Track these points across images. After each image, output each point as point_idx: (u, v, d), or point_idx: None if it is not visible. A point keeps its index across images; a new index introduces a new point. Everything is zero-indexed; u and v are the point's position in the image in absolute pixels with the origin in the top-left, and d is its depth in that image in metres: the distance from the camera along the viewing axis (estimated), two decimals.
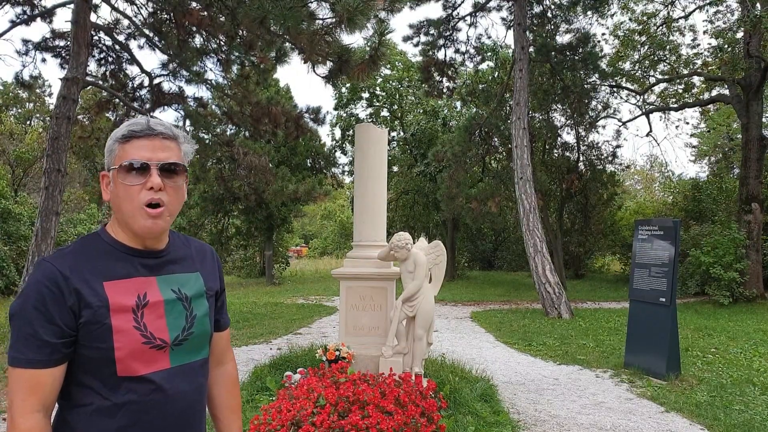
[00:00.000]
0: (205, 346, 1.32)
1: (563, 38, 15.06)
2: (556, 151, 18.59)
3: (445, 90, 16.38)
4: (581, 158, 18.36)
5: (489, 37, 22.75)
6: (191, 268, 1.32)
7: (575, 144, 18.21)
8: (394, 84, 22.26)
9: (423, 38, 15.21)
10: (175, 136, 1.25)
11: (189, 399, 1.25)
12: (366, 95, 22.81)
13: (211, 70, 10.76)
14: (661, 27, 15.73)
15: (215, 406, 1.46)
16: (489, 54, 16.79)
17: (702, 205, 16.25)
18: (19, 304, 1.13)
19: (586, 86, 15.19)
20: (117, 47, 10.36)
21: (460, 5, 15.02)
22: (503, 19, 15.45)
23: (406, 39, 15.32)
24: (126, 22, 9.87)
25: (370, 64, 7.16)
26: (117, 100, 10.69)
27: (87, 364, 1.16)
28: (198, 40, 9.50)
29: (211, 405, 1.46)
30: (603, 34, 25.81)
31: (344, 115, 23.13)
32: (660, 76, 17.12)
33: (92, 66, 10.12)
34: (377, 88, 22.45)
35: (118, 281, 1.18)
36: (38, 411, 1.12)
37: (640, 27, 16.02)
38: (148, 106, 10.75)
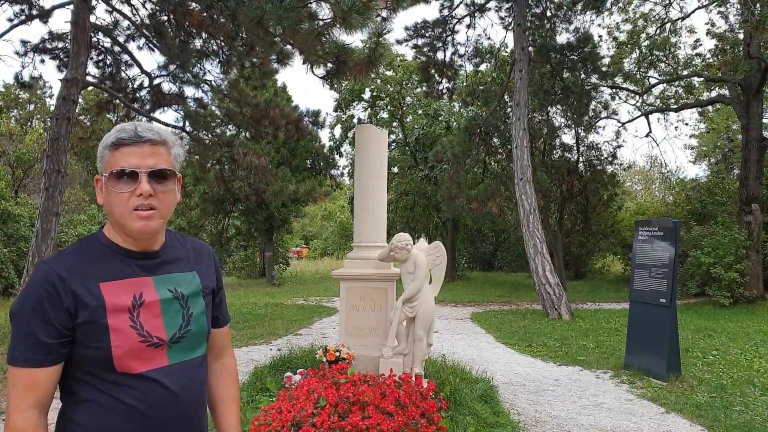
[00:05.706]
0: (202, 344, 1.35)
1: (563, 38, 15.07)
2: (556, 151, 18.59)
3: (444, 91, 16.36)
4: (581, 159, 18.37)
5: (488, 38, 22.71)
6: (187, 267, 1.34)
7: (575, 145, 18.21)
8: (394, 87, 22.21)
9: (420, 41, 15.13)
10: (164, 141, 1.25)
11: (188, 396, 1.27)
12: (367, 95, 22.77)
13: (209, 71, 10.73)
14: (659, 28, 15.71)
15: (214, 398, 1.47)
16: (488, 56, 16.76)
17: (706, 208, 16.23)
18: (19, 305, 1.17)
19: (586, 87, 15.18)
20: (116, 48, 10.35)
21: (457, 6, 14.98)
22: (502, 19, 15.41)
23: (401, 41, 15.17)
24: (126, 23, 9.87)
25: (367, 65, 7.13)
26: (117, 101, 10.69)
27: (86, 363, 1.18)
28: (198, 42, 9.49)
29: (211, 398, 1.47)
30: (600, 35, 25.82)
31: (343, 117, 23.12)
32: (660, 77, 17.11)
33: (91, 67, 10.12)
34: (376, 90, 22.41)
35: (114, 282, 1.21)
36: (34, 408, 1.15)
37: (638, 28, 16.00)
38: (148, 106, 10.74)
